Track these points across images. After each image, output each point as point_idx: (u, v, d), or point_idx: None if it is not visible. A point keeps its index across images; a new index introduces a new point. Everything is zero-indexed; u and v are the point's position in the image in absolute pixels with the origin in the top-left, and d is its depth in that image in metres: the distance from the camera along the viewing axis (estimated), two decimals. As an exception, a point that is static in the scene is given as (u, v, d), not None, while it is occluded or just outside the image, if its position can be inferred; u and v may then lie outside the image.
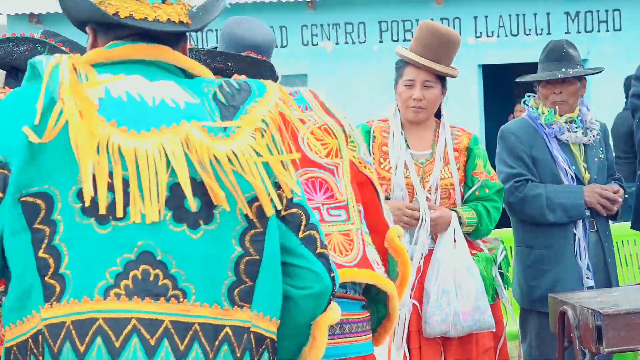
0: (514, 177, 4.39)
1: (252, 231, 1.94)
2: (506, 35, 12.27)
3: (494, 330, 4.02)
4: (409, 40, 4.21)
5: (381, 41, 12.29)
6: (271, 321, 1.96)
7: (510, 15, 12.24)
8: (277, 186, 1.97)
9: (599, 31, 12.15)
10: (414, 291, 3.96)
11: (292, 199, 1.98)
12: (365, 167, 2.66)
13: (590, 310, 3.61)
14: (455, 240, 3.98)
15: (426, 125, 4.15)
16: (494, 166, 4.47)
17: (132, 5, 1.96)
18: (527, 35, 12.23)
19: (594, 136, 4.48)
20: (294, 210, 1.99)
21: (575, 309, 3.71)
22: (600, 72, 4.78)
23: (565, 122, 4.43)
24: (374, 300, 2.59)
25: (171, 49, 2.01)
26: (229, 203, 1.90)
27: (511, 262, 4.86)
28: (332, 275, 1.99)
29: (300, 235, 1.99)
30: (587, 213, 4.41)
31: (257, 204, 1.93)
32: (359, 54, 12.38)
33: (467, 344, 3.99)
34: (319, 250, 2.00)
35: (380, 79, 11.50)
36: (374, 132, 4.09)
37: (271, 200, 1.93)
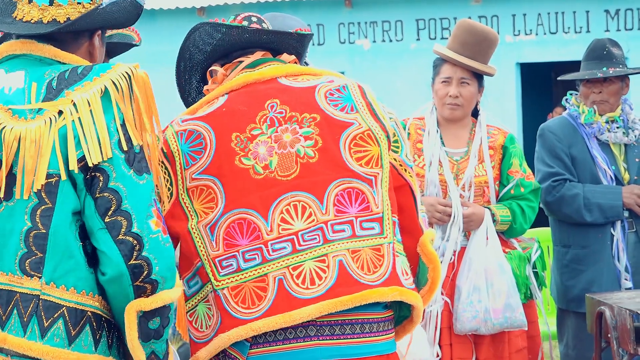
0: (552, 176, 4.37)
1: (42, 207, 2.18)
2: (545, 34, 12.20)
3: (526, 329, 4.01)
4: (447, 38, 4.21)
5: (418, 39, 12.27)
6: (69, 291, 2.19)
7: (549, 14, 12.17)
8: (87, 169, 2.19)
9: (639, 29, 12.04)
10: (445, 288, 3.98)
11: (107, 184, 2.17)
12: (405, 171, 2.60)
13: (628, 311, 3.58)
14: (487, 238, 3.98)
15: (462, 123, 4.16)
16: (532, 164, 4.44)
17: (25, 8, 2.32)
18: (566, 33, 12.14)
19: (635, 136, 4.44)
20: (105, 194, 2.18)
21: (613, 309, 3.68)
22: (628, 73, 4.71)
23: (606, 122, 4.39)
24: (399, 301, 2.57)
25: (38, 42, 2.31)
26: (25, 180, 2.18)
27: (548, 262, 4.83)
28: (134, 262, 2.17)
29: (106, 219, 2.18)
30: (626, 214, 4.37)
31: (47, 180, 2.17)
32: (396, 52, 12.37)
33: (499, 343, 3.99)
34: (121, 237, 2.17)
35: (418, 77, 11.46)
36: (409, 129, 4.13)
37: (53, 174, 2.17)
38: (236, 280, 2.41)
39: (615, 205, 4.32)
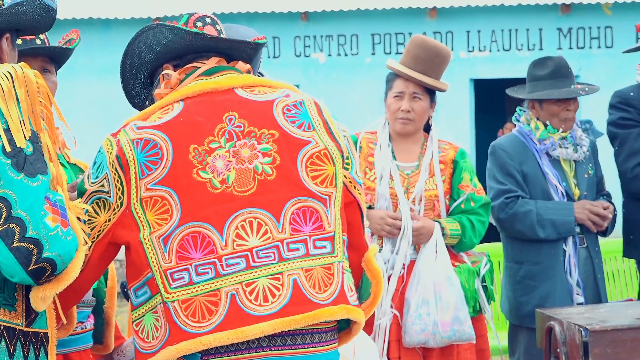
0: (505, 193, 4.38)
1: None
2: (498, 50, 12.31)
3: (474, 342, 4.03)
4: (402, 53, 4.23)
5: (373, 53, 12.32)
6: None
7: (502, 30, 12.28)
8: None
9: (590, 47, 12.20)
10: (395, 301, 3.99)
11: None
12: (354, 188, 2.61)
13: (577, 326, 3.60)
14: (437, 252, 4.00)
15: (414, 138, 4.18)
16: (484, 180, 4.47)
17: None
18: (519, 50, 12.26)
19: (584, 152, 4.49)
20: None
21: (562, 324, 3.70)
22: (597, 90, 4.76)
23: (559, 139, 4.44)
24: None
25: None
26: None
27: (499, 276, 4.86)
28: (34, 267, 2.16)
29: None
30: (577, 229, 4.41)
31: None
32: (351, 66, 12.40)
33: (448, 356, 4.01)
34: (15, 244, 2.15)
35: (372, 91, 11.51)
36: (360, 143, 4.15)
37: None
38: (187, 293, 2.39)
39: (568, 221, 4.35)
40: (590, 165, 4.52)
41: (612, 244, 5.92)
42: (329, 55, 12.51)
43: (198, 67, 2.61)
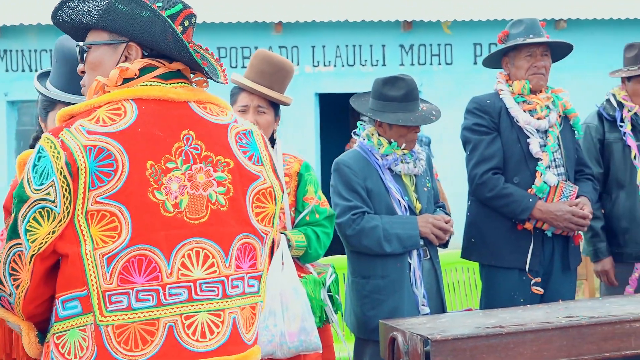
0: (351, 209, 4.41)
1: None
2: (343, 65, 12.48)
3: (321, 351, 4.06)
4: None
5: (219, 67, 12.29)
6: None
7: (347, 46, 12.46)
8: None
9: (431, 64, 12.51)
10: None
11: None
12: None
13: (419, 336, 3.66)
14: (283, 263, 4.02)
15: (259, 152, 4.19)
16: (329, 193, 4.50)
17: None
18: (363, 65, 12.46)
19: (422, 166, 4.58)
20: None
21: (405, 334, 3.76)
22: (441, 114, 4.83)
23: (401, 154, 4.51)
24: None
25: None
26: None
27: (344, 288, 4.91)
28: None
29: None
30: (421, 242, 4.48)
31: None
32: (197, 80, 12.34)
33: (294, 367, 4.02)
34: None
35: (218, 105, 11.47)
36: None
37: None
38: (123, 318, 2.27)
39: (413, 234, 4.41)
40: (428, 178, 4.63)
41: (450, 255, 6.07)
42: (175, 68, 12.41)
43: (157, 67, 2.44)
